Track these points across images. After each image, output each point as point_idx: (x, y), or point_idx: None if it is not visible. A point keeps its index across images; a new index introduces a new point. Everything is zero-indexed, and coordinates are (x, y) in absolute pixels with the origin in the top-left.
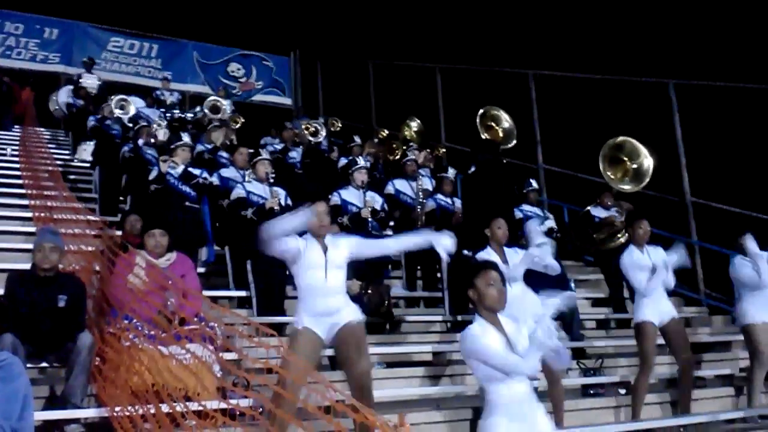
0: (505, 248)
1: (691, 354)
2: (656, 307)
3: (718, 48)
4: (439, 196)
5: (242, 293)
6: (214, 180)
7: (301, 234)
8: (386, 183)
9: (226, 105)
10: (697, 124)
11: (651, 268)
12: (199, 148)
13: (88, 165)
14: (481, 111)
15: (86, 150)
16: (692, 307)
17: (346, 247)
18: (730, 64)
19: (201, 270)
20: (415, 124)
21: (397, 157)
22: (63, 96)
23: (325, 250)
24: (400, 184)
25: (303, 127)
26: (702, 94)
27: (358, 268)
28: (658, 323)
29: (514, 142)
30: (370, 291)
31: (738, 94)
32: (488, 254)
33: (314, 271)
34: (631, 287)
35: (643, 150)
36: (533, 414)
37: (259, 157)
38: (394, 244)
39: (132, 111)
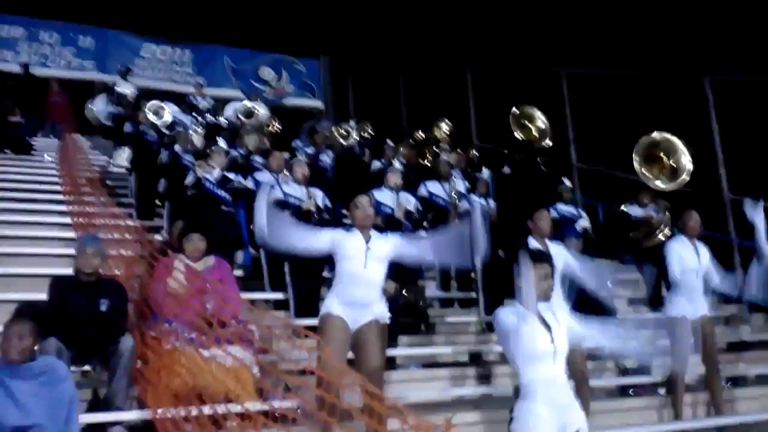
0: (547, 241)
1: (716, 355)
2: (690, 302)
3: (754, 43)
4: (473, 196)
5: (279, 295)
6: (249, 184)
7: (347, 227)
8: (419, 185)
9: (260, 109)
10: (734, 121)
11: (696, 267)
12: (233, 153)
13: (124, 170)
14: (515, 110)
15: (122, 156)
16: (731, 305)
17: (391, 243)
18: (766, 58)
19: (237, 273)
20: (445, 125)
21: (428, 161)
22: (100, 104)
23: (367, 240)
24: (433, 187)
25: (334, 130)
26: (739, 89)
27: (393, 270)
28: (691, 318)
29: (550, 142)
30: (405, 292)
31: None
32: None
33: (353, 260)
34: (668, 281)
35: (681, 146)
36: (567, 400)
37: (296, 159)
38: (432, 248)
39: (167, 117)
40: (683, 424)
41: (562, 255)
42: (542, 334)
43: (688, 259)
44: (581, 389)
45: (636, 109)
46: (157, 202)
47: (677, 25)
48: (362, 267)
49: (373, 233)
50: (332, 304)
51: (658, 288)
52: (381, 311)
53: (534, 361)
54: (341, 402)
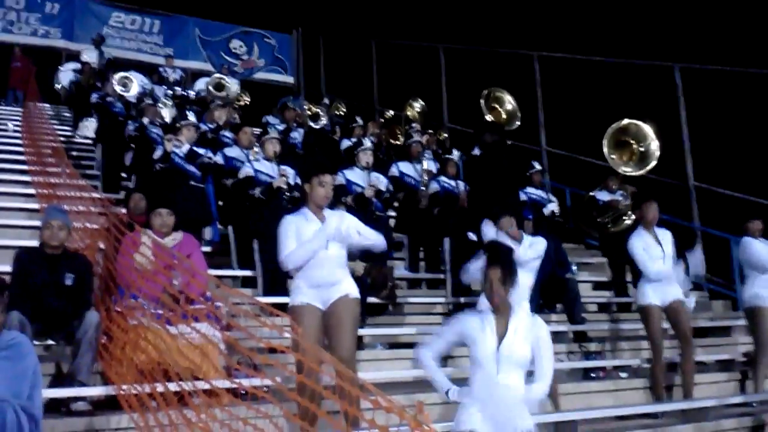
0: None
1: (691, 339)
2: (659, 289)
3: (724, 32)
4: (443, 178)
5: (246, 273)
6: (219, 159)
7: (296, 210)
8: (390, 165)
9: (231, 83)
10: (702, 109)
11: (661, 255)
12: (202, 127)
13: (90, 141)
14: (485, 92)
15: (88, 126)
16: (693, 292)
17: (345, 222)
18: (736, 49)
19: (205, 249)
20: (418, 105)
21: (400, 141)
22: (66, 74)
23: (323, 221)
24: (405, 167)
25: (306, 108)
26: (707, 78)
27: (362, 250)
28: (661, 304)
29: (518, 123)
30: (373, 272)
31: (744, 79)
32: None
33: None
34: (634, 271)
35: (650, 133)
36: (511, 408)
37: (268, 136)
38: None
39: (134, 89)
40: (646, 408)
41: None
42: (491, 342)
43: (652, 249)
44: None
45: (606, 94)
46: (123, 174)
47: (649, 12)
48: (324, 248)
49: (326, 212)
50: (299, 290)
51: (622, 273)
52: (350, 287)
53: (477, 368)
54: (320, 387)
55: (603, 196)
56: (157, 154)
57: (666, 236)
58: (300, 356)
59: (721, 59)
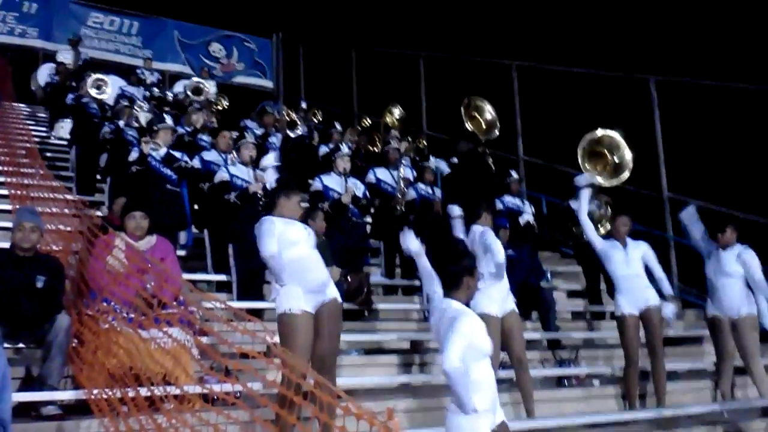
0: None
1: (660, 346)
2: (633, 297)
3: (700, 46)
4: (420, 185)
5: (221, 277)
6: (196, 163)
7: (270, 215)
8: (367, 171)
9: (210, 87)
10: (677, 121)
11: (626, 264)
12: (179, 130)
13: (65, 143)
14: (465, 101)
15: (63, 127)
16: (671, 301)
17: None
18: (711, 62)
19: (180, 253)
20: (397, 111)
21: (378, 149)
22: (43, 75)
23: (305, 225)
24: (381, 173)
25: (284, 113)
26: (682, 91)
27: (338, 256)
28: (637, 313)
29: (497, 133)
30: (350, 278)
31: (719, 92)
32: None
33: (302, 246)
34: (609, 279)
35: (624, 143)
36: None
37: (244, 141)
38: None
39: (109, 92)
40: (618, 416)
41: None
42: (486, 335)
43: (618, 259)
44: (522, 377)
45: (583, 105)
46: (98, 176)
47: (627, 25)
48: (311, 248)
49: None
50: (294, 296)
51: (597, 281)
52: (336, 291)
53: (483, 360)
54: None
55: (578, 205)
56: (133, 156)
57: (638, 248)
58: (286, 371)
59: (695, 72)
